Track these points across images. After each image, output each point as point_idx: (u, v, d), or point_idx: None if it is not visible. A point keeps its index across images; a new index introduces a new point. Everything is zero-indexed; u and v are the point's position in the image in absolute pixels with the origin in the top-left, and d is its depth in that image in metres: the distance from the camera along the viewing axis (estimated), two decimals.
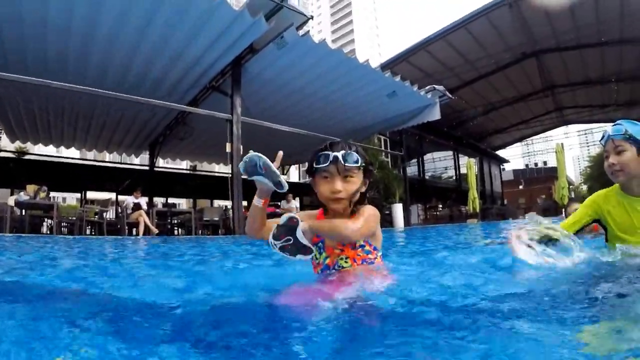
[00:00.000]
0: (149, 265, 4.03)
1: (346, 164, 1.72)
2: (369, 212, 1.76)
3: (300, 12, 8.80)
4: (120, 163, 20.13)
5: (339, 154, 1.73)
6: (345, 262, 1.80)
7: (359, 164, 1.76)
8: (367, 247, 1.82)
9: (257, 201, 1.76)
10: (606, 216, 2.28)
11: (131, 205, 10.92)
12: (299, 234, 1.57)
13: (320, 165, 1.76)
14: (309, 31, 9.19)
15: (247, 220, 1.85)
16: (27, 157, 17.52)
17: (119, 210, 11.68)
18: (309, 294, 1.61)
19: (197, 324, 1.38)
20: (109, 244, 6.98)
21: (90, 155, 21.19)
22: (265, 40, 9.01)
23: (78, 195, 20.86)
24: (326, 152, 1.77)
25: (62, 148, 16.92)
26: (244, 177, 1.73)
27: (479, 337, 1.07)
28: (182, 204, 23.91)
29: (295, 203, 14.52)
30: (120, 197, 16.18)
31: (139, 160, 19.72)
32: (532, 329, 1.10)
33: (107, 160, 20.42)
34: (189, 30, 8.36)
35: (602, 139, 2.24)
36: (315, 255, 1.84)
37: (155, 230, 10.70)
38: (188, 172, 22.22)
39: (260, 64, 9.98)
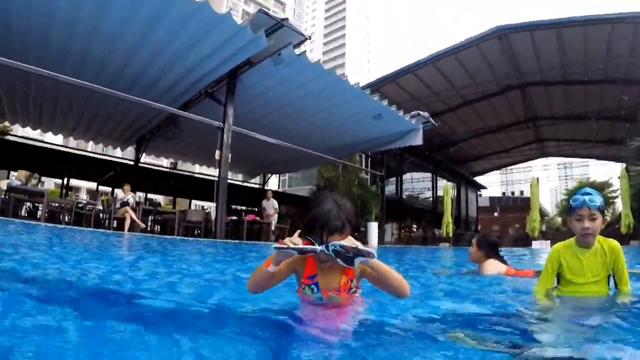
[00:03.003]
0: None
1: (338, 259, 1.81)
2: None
3: (299, 32, 9.17)
4: (101, 154, 20.07)
5: (322, 248, 1.81)
6: (337, 298, 1.98)
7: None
8: (357, 290, 2.05)
9: (272, 267, 1.85)
10: (562, 263, 2.88)
11: (119, 199, 11.17)
12: (361, 260, 1.77)
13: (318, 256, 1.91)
14: (305, 51, 9.57)
15: (255, 282, 1.95)
16: (8, 137, 17.45)
17: (108, 204, 11.85)
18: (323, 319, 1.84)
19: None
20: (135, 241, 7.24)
21: (73, 143, 21.13)
22: (263, 55, 9.36)
23: (57, 180, 20.80)
24: (316, 248, 1.82)
25: (48, 134, 16.95)
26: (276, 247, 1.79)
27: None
28: (161, 201, 23.98)
29: (274, 203, 14.88)
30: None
31: (120, 154, 19.77)
32: None
33: (88, 149, 20.37)
34: (190, 37, 8.66)
35: (576, 202, 2.77)
36: (307, 291, 2.00)
37: (142, 225, 10.96)
38: (170, 170, 22.35)
39: (255, 77, 10.34)
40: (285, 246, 1.77)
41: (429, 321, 1.94)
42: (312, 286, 1.99)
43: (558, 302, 2.85)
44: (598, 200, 2.72)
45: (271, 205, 14.81)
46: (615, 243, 2.80)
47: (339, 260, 1.79)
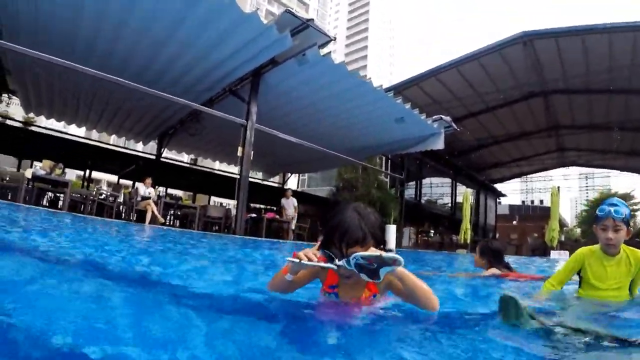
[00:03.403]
0: None
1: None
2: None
3: (324, 33, 9.20)
4: (123, 147, 20.39)
5: (342, 263, 1.72)
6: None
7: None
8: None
9: (289, 276, 1.80)
10: (586, 267, 2.99)
11: (142, 194, 11.36)
12: (387, 270, 1.67)
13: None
14: (330, 52, 9.61)
15: (274, 285, 1.93)
16: (33, 128, 17.88)
17: (130, 197, 12.05)
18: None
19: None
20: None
21: (95, 135, 21.48)
22: (288, 54, 9.42)
23: (79, 172, 21.19)
24: (329, 254, 1.77)
25: (72, 126, 17.29)
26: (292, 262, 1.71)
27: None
28: (180, 196, 24.26)
29: (294, 201, 14.98)
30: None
31: (141, 148, 20.04)
32: None
33: (110, 142, 20.69)
34: (217, 36, 8.74)
35: (602, 212, 2.88)
36: (327, 296, 1.95)
37: (162, 220, 11.12)
38: (190, 166, 22.57)
39: (279, 76, 10.40)
40: (298, 260, 1.68)
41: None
42: (332, 295, 1.93)
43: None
44: (624, 211, 2.80)
45: (291, 204, 14.86)
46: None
47: (362, 275, 1.69)
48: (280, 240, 11.60)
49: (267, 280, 2.00)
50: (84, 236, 5.35)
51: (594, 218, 2.96)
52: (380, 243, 1.82)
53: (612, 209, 2.81)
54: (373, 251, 1.68)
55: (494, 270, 4.36)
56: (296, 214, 14.93)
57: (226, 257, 5.18)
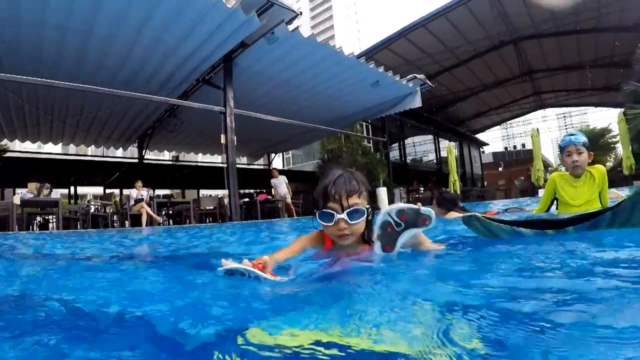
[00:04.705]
0: None
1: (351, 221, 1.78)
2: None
3: (289, 9, 9.11)
4: (102, 156, 20.06)
5: (344, 216, 1.77)
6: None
7: (363, 210, 1.81)
8: None
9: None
10: (558, 188, 3.54)
11: (134, 197, 11.34)
12: (409, 234, 1.66)
13: (326, 223, 1.83)
14: (298, 27, 9.55)
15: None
16: (8, 154, 17.42)
17: (123, 203, 12.01)
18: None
19: None
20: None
21: (72, 150, 21.12)
22: (257, 35, 9.35)
23: (63, 191, 20.90)
24: (330, 212, 1.80)
25: (41, 144, 16.93)
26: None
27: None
28: (172, 194, 24.09)
29: (284, 179, 14.89)
30: (127, 192, 16.20)
31: (121, 154, 19.81)
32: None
33: (89, 154, 20.41)
34: (184, 28, 8.64)
35: (564, 142, 3.45)
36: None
37: (159, 219, 11.14)
38: (173, 163, 22.41)
39: (251, 58, 10.33)
40: (233, 267, 1.43)
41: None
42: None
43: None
44: (582, 138, 3.39)
45: (282, 181, 14.74)
46: (601, 167, 3.47)
47: (376, 245, 1.66)
48: (288, 219, 11.70)
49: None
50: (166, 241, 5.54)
51: (560, 149, 3.51)
52: (370, 195, 1.91)
53: (572, 137, 3.41)
54: (402, 205, 1.69)
55: (454, 214, 5.05)
56: (290, 191, 14.86)
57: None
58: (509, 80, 26.02)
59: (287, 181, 14.91)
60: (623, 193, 4.74)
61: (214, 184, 19.11)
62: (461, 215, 4.70)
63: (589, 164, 3.47)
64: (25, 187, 10.53)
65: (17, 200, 9.33)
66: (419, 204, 1.69)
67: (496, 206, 9.64)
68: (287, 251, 1.96)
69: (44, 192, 10.23)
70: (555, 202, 3.66)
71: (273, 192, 14.87)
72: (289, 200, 14.39)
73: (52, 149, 18.10)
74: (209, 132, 14.17)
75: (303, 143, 21.58)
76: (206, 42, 9.30)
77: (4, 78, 7.87)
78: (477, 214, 2.14)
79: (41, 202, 10.33)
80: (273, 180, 14.97)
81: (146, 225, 10.63)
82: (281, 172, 16.52)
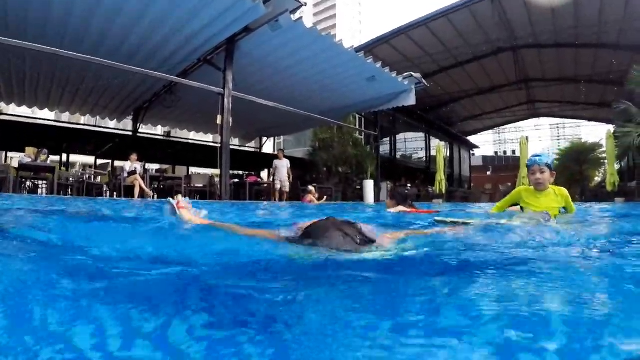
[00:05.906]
0: None
1: None
2: None
3: None
4: (95, 126, 20.03)
5: None
6: None
7: None
8: None
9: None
10: (523, 199, 4.05)
11: (127, 169, 11.54)
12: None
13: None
14: (302, 17, 9.78)
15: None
16: (2, 117, 17.38)
17: (117, 174, 12.19)
18: None
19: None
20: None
21: (65, 118, 21.02)
22: (261, 21, 9.59)
23: (55, 157, 20.85)
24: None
25: (35, 109, 16.97)
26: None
27: None
28: (165, 169, 24.15)
29: (287, 162, 14.72)
30: (119, 163, 16.20)
31: (114, 125, 19.82)
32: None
33: (81, 123, 20.37)
34: (192, 7, 8.83)
35: (530, 162, 4.00)
36: None
37: (150, 193, 11.36)
38: (166, 138, 22.46)
39: (253, 43, 10.55)
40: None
41: None
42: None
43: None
44: (545, 159, 3.89)
45: (285, 165, 14.56)
46: (563, 189, 3.99)
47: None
48: (295, 202, 11.93)
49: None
50: None
51: (527, 168, 4.03)
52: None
53: (536, 158, 3.92)
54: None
55: (401, 207, 5.71)
56: (290, 176, 14.63)
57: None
58: (505, 86, 26.20)
59: (289, 166, 14.66)
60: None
61: (204, 161, 19.31)
62: (408, 210, 5.62)
63: (554, 184, 4.03)
64: (18, 151, 10.65)
65: (15, 163, 9.49)
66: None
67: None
68: (251, 231, 2.20)
69: (41, 158, 10.41)
70: (520, 209, 4.13)
71: (272, 172, 14.90)
72: (286, 188, 14.30)
73: (44, 115, 18.11)
74: (204, 111, 14.36)
75: (296, 130, 21.81)
76: (211, 23, 9.51)
77: (9, 43, 7.99)
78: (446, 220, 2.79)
79: (40, 167, 10.48)
80: (276, 162, 14.68)
81: (138, 197, 10.87)
82: (270, 156, 16.65)
